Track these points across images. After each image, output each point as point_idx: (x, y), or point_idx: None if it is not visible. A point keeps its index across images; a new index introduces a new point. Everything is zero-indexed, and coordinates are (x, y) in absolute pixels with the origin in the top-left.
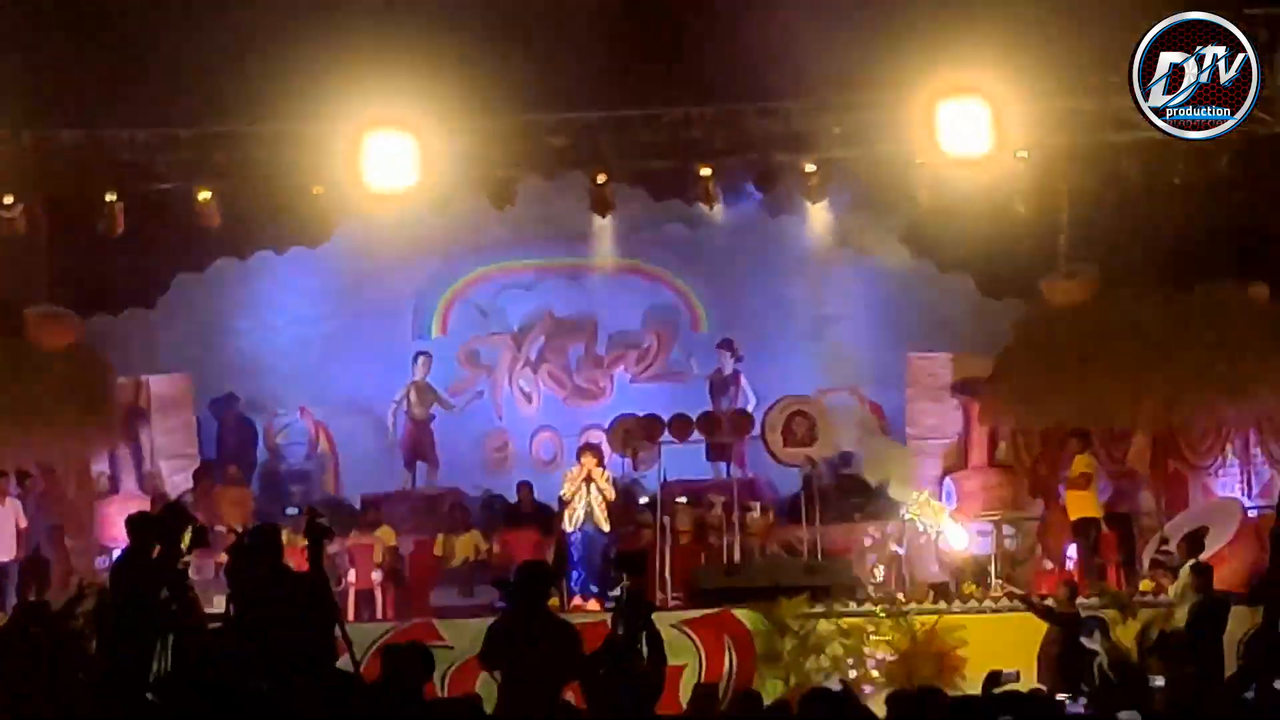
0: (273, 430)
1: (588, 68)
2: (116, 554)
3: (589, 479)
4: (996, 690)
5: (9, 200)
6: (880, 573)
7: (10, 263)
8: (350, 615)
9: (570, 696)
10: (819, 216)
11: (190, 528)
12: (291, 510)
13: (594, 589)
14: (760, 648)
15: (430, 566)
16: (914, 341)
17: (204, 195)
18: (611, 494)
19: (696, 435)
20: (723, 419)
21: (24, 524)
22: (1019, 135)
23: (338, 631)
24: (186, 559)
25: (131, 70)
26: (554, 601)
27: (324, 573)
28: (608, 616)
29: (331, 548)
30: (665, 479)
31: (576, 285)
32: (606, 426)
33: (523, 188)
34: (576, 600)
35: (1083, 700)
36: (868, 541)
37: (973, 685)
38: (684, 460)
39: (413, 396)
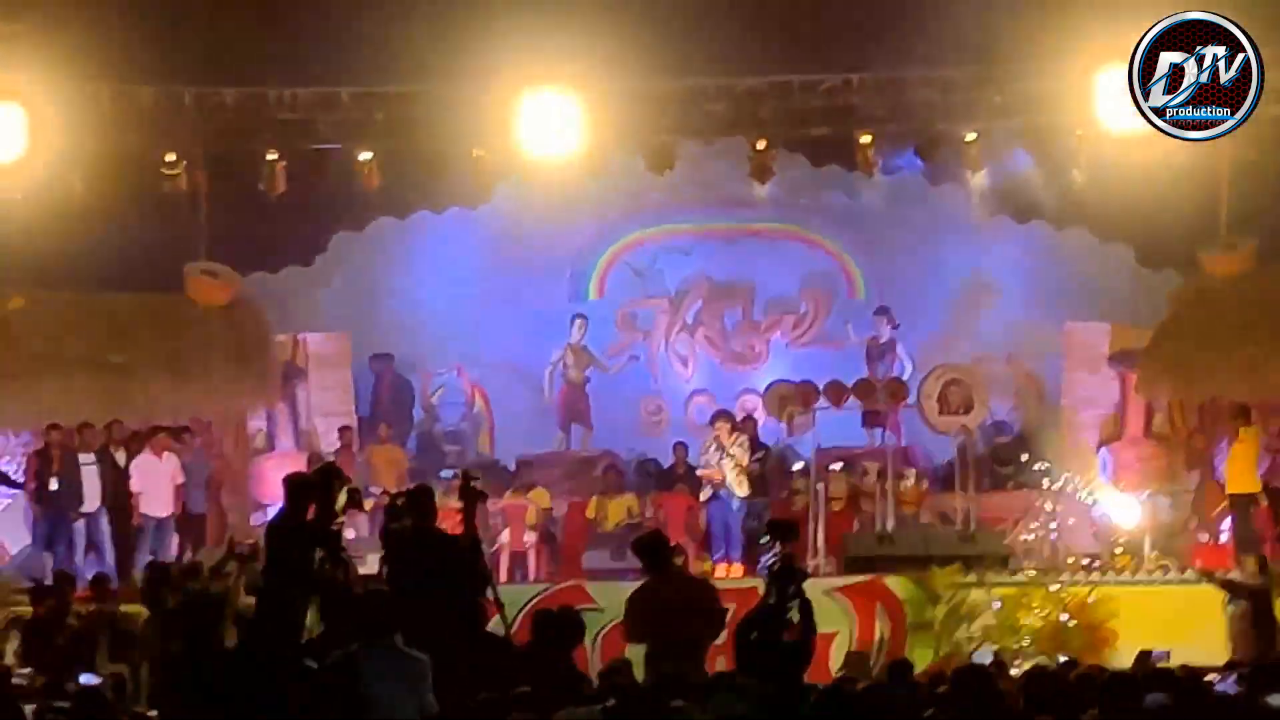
0: (429, 389)
1: (748, 32)
2: (271, 511)
3: (720, 446)
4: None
5: (171, 158)
6: (1033, 543)
7: (171, 220)
8: (503, 576)
9: (721, 663)
10: (978, 185)
11: (345, 489)
12: (446, 472)
13: (734, 555)
14: (911, 616)
15: (583, 529)
16: (1071, 311)
17: (364, 155)
18: (745, 458)
19: (852, 401)
20: (878, 386)
21: (180, 479)
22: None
23: (489, 594)
24: (341, 520)
25: (293, 29)
26: (706, 567)
27: (477, 536)
28: (754, 582)
29: (485, 508)
30: (820, 445)
31: (734, 250)
32: (762, 391)
33: (682, 152)
34: (720, 566)
35: (1233, 678)
36: (1022, 511)
37: (1124, 657)
38: (839, 427)
39: (569, 358)
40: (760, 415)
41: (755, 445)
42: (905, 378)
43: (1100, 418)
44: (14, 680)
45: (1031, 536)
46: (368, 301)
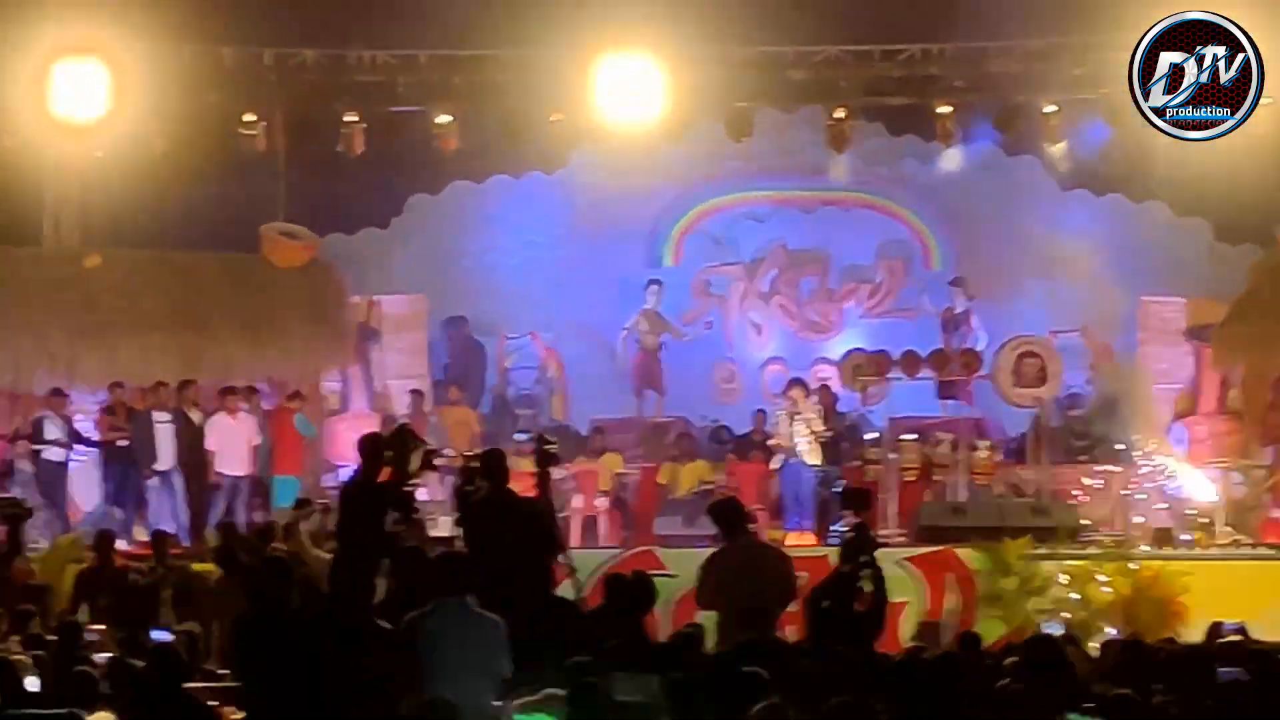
0: (503, 353)
1: (829, 1)
2: (345, 472)
3: (794, 414)
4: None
5: (249, 118)
6: (1106, 517)
7: (249, 180)
8: (574, 541)
9: (792, 631)
10: (1056, 156)
11: (420, 451)
12: (520, 435)
13: (805, 523)
14: (983, 587)
15: (655, 494)
16: (1148, 285)
17: (442, 118)
18: (820, 425)
19: (926, 372)
20: (952, 357)
21: (256, 440)
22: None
23: (562, 558)
24: (415, 482)
25: None
26: (778, 535)
27: (550, 500)
28: (825, 550)
29: (558, 473)
30: (893, 415)
31: (810, 218)
32: (836, 361)
33: (760, 119)
34: (792, 535)
35: None
36: (1094, 484)
37: (1195, 633)
38: (912, 397)
39: (644, 324)
40: (834, 384)
41: (829, 414)
42: (980, 349)
43: (1175, 392)
44: (86, 636)
45: (1104, 510)
46: (443, 264)
